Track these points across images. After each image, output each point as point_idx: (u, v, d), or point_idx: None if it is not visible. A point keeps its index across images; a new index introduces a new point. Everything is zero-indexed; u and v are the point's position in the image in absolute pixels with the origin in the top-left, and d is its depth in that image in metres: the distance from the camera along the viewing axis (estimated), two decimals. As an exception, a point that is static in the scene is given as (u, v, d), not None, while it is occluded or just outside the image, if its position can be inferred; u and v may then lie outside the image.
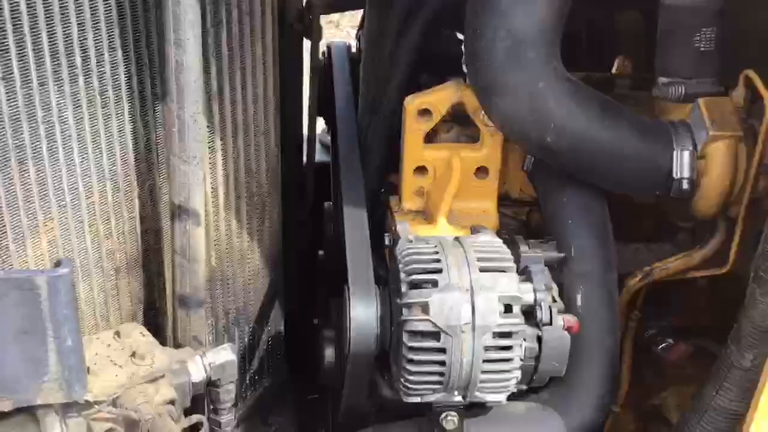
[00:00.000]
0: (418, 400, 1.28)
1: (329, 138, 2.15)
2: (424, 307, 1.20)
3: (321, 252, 2.18)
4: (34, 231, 1.14)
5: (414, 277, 1.23)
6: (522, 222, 1.67)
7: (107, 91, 1.20)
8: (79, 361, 1.02)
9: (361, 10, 2.15)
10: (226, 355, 1.27)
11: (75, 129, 1.16)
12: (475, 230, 1.39)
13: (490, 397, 1.26)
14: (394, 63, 1.62)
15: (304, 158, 1.93)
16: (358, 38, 2.22)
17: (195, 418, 1.16)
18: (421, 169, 1.53)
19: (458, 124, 1.57)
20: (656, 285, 1.55)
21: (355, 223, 1.43)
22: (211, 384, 1.27)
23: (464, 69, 1.43)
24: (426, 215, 1.53)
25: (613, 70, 1.86)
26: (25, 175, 1.11)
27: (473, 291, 1.21)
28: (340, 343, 1.80)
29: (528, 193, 1.63)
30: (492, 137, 1.49)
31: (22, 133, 1.09)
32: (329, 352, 1.84)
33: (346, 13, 3.03)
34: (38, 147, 1.12)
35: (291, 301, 1.83)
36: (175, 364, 1.20)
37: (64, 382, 1.00)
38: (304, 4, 1.69)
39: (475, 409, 1.36)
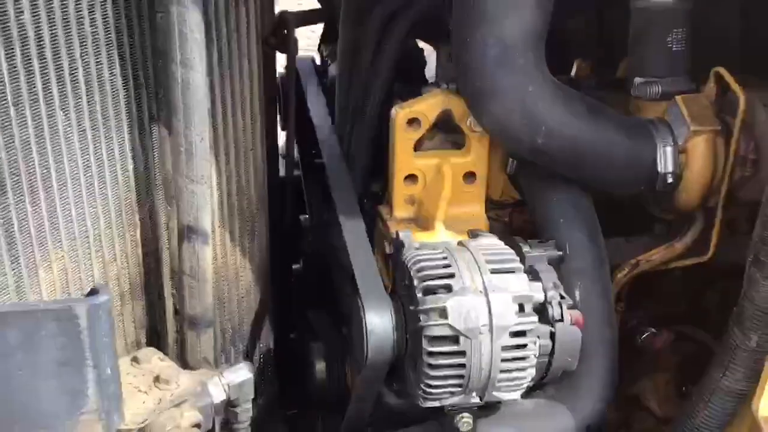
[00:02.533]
0: (437, 404, 1.29)
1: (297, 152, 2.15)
2: (442, 312, 1.22)
3: (295, 266, 2.18)
4: (46, 260, 1.10)
5: (428, 283, 1.25)
6: (504, 223, 1.71)
7: (108, 114, 1.17)
8: (117, 390, 0.99)
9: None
10: (243, 374, 1.26)
11: (81, 155, 1.14)
12: (473, 234, 1.42)
13: (506, 396, 1.29)
14: (374, 72, 1.64)
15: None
16: (320, 51, 2.23)
17: (221, 439, 1.14)
18: (411, 177, 1.55)
19: (441, 131, 1.60)
20: (635, 277, 1.62)
21: (356, 234, 1.44)
22: (229, 404, 1.26)
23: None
24: (418, 222, 1.55)
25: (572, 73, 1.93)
26: (37, 203, 1.07)
27: (488, 293, 1.23)
28: (342, 354, 1.81)
29: (509, 195, 1.68)
30: (479, 142, 1.53)
31: (32, 161, 1.05)
32: (320, 367, 1.85)
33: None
34: (47, 175, 1.09)
35: (278, 317, 1.83)
36: (198, 387, 1.18)
37: (103, 413, 0.98)
38: (277, 19, 1.69)
39: (485, 410, 1.39)
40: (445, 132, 1.60)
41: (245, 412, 1.28)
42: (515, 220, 1.70)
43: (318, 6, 2.02)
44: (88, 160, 1.15)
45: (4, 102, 1.02)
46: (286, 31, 1.67)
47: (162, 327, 1.39)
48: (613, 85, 1.67)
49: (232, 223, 1.49)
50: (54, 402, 0.95)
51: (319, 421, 1.95)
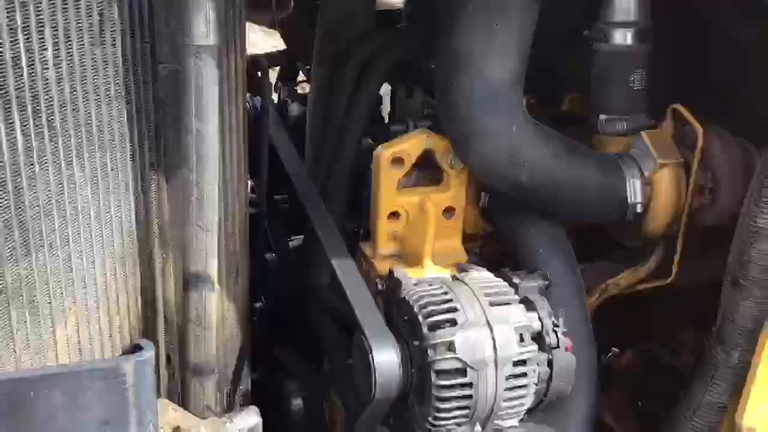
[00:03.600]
0: (442, 435, 1.33)
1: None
2: (450, 346, 1.27)
3: (257, 304, 2.17)
4: (61, 315, 1.09)
5: (433, 318, 1.29)
6: (476, 255, 1.78)
7: (116, 166, 1.17)
8: (158, 446, 0.99)
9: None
10: (253, 418, 1.27)
11: (92, 208, 1.13)
12: (461, 268, 1.48)
13: (506, 424, 1.35)
14: (351, 115, 1.68)
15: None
16: (277, 91, 2.26)
17: (243, 486, 1.15)
18: (394, 215, 1.60)
19: (418, 169, 1.66)
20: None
21: (349, 273, 1.47)
22: (240, 450, 1.26)
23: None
24: (403, 258, 1.60)
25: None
26: (55, 258, 1.06)
27: (491, 325, 1.29)
28: (319, 389, 1.83)
29: (480, 228, 1.75)
30: (458, 178, 1.60)
31: (52, 219, 1.04)
32: (297, 403, 1.86)
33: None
34: (65, 230, 1.07)
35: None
36: (216, 435, 1.18)
37: (143, 470, 0.97)
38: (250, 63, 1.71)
39: (481, 436, 1.44)
40: (422, 169, 1.66)
41: (254, 456, 1.29)
42: (486, 251, 1.77)
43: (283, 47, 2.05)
44: (97, 213, 1.14)
45: (15, 163, 1.00)
46: (260, 73, 1.69)
47: (158, 376, 1.37)
48: (562, 120, 1.78)
49: (220, 269, 1.49)
50: (95, 462, 0.94)
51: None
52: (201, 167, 1.17)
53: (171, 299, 1.35)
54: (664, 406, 1.57)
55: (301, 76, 2.29)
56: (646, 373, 1.83)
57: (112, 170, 1.15)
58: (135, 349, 0.97)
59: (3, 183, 0.96)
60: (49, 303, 1.06)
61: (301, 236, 2.02)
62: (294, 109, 2.15)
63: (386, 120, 2.12)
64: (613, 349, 1.82)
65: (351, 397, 1.58)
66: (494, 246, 1.76)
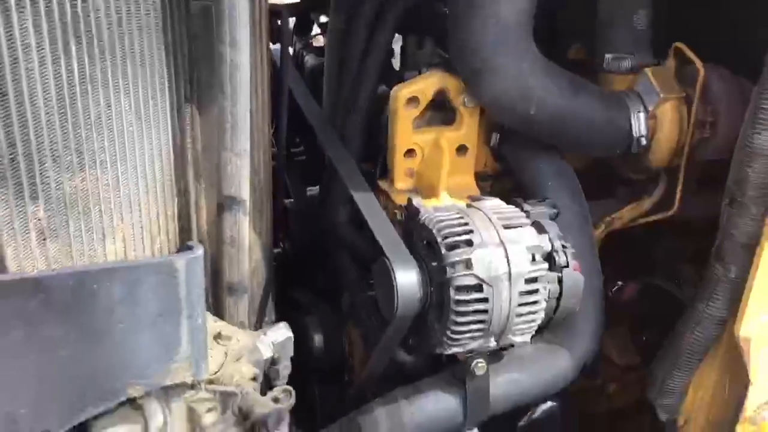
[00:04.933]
0: (459, 349, 1.43)
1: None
2: (467, 263, 1.36)
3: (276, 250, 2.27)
4: (110, 231, 1.18)
5: (451, 239, 1.38)
6: (487, 193, 1.87)
7: (156, 97, 1.25)
8: (205, 339, 1.08)
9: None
10: (284, 332, 1.36)
11: (136, 134, 1.21)
12: (475, 198, 1.57)
13: (518, 339, 1.44)
14: (366, 62, 1.76)
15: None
16: (293, 42, 2.33)
17: (279, 390, 1.24)
18: (410, 152, 1.69)
19: (431, 109, 1.74)
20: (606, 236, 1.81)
21: (370, 204, 1.56)
22: (271, 362, 1.36)
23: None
24: (419, 192, 1.69)
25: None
26: (105, 176, 1.15)
27: (504, 245, 1.38)
28: (338, 325, 1.93)
29: (491, 167, 1.84)
30: (470, 117, 1.68)
31: (102, 138, 1.13)
32: (318, 338, 1.96)
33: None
34: (113, 150, 1.16)
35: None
36: (252, 343, 1.28)
37: (193, 361, 1.06)
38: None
39: (493, 356, 1.54)
40: (435, 110, 1.74)
41: (285, 369, 1.38)
42: (495, 189, 1.86)
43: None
44: (140, 140, 1.23)
45: (72, 83, 1.09)
46: (279, 21, 1.76)
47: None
48: (569, 65, 1.85)
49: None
50: (149, 352, 1.03)
51: (316, 391, 2.06)
52: (235, 95, 1.25)
53: (204, 227, 1.44)
54: (666, 336, 1.67)
55: (315, 29, 2.37)
56: (649, 305, 1.93)
57: (152, 99, 1.23)
58: (185, 249, 1.06)
59: (62, 101, 1.05)
60: (101, 218, 1.15)
61: (318, 188, 2.11)
62: (309, 60, 2.23)
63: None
64: (618, 282, 1.91)
65: (371, 325, 1.67)
66: (504, 185, 1.85)
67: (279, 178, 2.04)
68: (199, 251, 1.05)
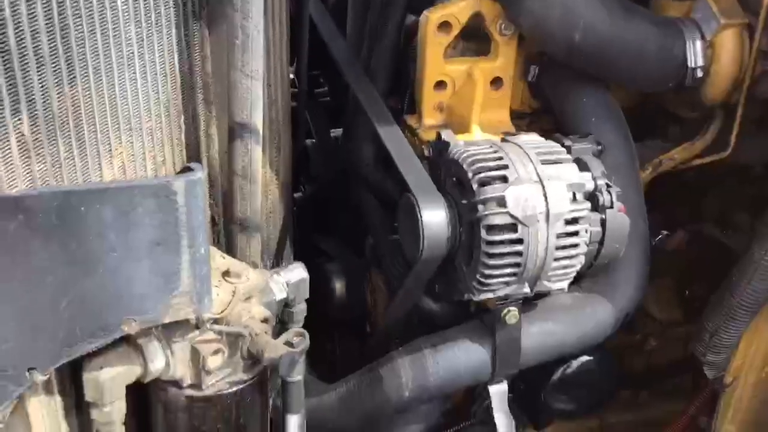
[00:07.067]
0: (490, 295, 1.31)
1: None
2: (500, 201, 1.23)
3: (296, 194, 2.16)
4: (107, 154, 1.07)
5: (483, 174, 1.26)
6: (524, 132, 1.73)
7: (159, 6, 1.13)
8: (209, 271, 0.97)
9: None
10: (299, 273, 1.25)
11: (137, 47, 1.10)
12: (510, 134, 1.43)
13: (555, 286, 1.32)
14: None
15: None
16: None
17: (292, 332, 1.13)
18: (440, 84, 1.55)
19: (464, 39, 1.60)
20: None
21: (396, 140, 1.44)
22: (285, 304, 1.25)
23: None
24: (449, 128, 1.55)
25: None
26: (101, 92, 1.04)
27: (543, 182, 1.25)
28: (360, 272, 1.82)
29: (527, 105, 1.70)
30: (507, 46, 1.54)
31: (97, 49, 1.02)
32: (340, 286, 1.86)
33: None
34: (109, 60, 1.05)
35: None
36: (264, 282, 1.17)
37: (195, 295, 0.96)
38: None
39: (526, 305, 1.42)
40: (467, 41, 1.60)
41: (301, 312, 1.28)
42: (532, 130, 1.72)
43: None
44: (141, 54, 1.11)
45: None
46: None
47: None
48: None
49: (263, 132, 1.46)
50: (146, 284, 0.93)
51: (335, 339, 1.97)
52: (246, 8, 1.13)
53: (215, 157, 1.33)
54: (713, 290, 1.53)
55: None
56: (696, 254, 1.79)
57: (155, 8, 1.11)
58: (185, 170, 0.95)
59: (48, 8, 0.93)
60: (95, 139, 1.04)
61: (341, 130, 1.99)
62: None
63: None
64: (663, 232, 1.77)
65: (396, 271, 1.56)
66: (542, 125, 1.71)
67: (300, 116, 1.92)
68: (200, 173, 0.93)
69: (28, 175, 0.94)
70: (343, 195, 1.90)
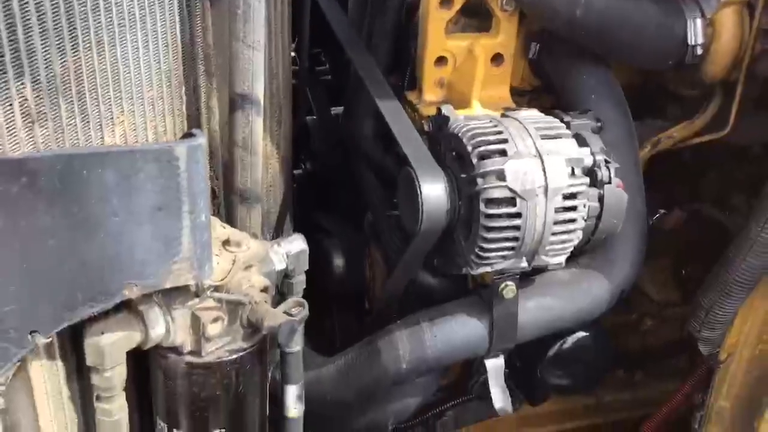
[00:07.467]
0: (488, 269, 1.32)
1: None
2: (500, 174, 1.24)
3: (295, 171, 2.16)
4: (109, 121, 1.08)
5: (483, 148, 1.26)
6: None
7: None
8: (209, 238, 0.98)
9: None
10: (299, 244, 1.26)
11: (138, 15, 1.10)
12: (510, 109, 1.44)
13: (552, 260, 1.33)
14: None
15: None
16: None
17: (291, 301, 1.14)
18: (441, 60, 1.56)
19: (465, 15, 1.60)
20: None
21: (395, 114, 1.45)
22: (285, 275, 1.26)
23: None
24: (450, 104, 1.56)
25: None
26: (102, 60, 1.04)
27: (541, 156, 1.26)
28: (360, 248, 1.83)
29: (528, 82, 1.70)
30: (508, 22, 1.54)
31: (99, 17, 1.02)
32: (339, 262, 1.87)
33: None
34: (112, 33, 1.05)
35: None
36: (264, 252, 1.18)
37: (195, 261, 0.97)
38: None
39: (523, 281, 1.43)
40: (468, 16, 1.60)
41: (300, 283, 1.29)
42: (532, 107, 1.73)
43: None
44: (143, 22, 1.12)
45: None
46: None
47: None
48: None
49: (263, 105, 1.47)
50: (147, 249, 0.93)
51: (334, 315, 1.98)
52: (248, -22, 1.13)
53: (215, 129, 1.34)
54: (710, 269, 1.54)
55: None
56: (694, 234, 1.79)
57: (156, -20, 1.12)
58: (187, 136, 0.96)
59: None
60: (98, 106, 1.05)
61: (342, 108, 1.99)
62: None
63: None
64: (660, 210, 1.78)
65: (394, 246, 1.57)
66: (542, 102, 1.71)
67: (301, 93, 1.93)
68: (201, 138, 0.94)
69: (30, 140, 0.94)
70: (344, 172, 1.90)
